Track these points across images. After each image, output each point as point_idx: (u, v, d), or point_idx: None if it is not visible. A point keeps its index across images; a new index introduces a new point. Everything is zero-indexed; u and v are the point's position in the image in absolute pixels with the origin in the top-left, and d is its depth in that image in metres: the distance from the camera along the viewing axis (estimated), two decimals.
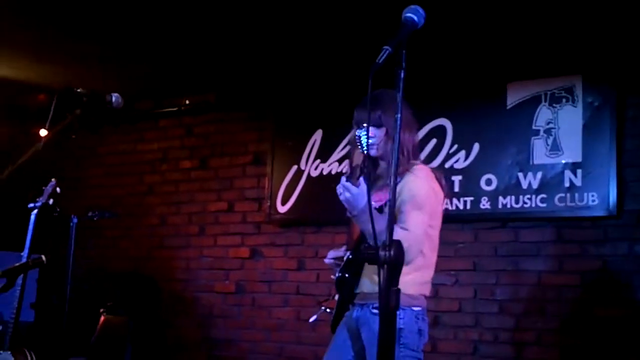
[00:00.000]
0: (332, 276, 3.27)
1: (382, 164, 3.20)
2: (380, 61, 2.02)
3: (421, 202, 2.98)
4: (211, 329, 6.07)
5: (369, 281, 3.06)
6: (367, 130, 3.05)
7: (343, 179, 2.85)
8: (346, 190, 2.82)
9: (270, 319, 5.83)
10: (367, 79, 1.98)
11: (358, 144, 3.12)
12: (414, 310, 3.06)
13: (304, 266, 5.73)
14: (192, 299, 6.21)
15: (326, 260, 3.27)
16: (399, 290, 1.99)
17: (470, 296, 5.03)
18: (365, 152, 3.10)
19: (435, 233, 3.12)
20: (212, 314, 6.10)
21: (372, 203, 2.83)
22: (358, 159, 3.18)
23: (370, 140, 3.08)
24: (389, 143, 3.06)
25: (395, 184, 2.06)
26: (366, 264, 3.06)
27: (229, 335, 5.98)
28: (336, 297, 3.26)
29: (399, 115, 2.07)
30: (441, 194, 3.14)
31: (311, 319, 3.60)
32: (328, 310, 3.42)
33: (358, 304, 3.14)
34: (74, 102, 3.07)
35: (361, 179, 2.86)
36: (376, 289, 2.91)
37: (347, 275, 3.09)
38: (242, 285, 6.01)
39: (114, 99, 3.06)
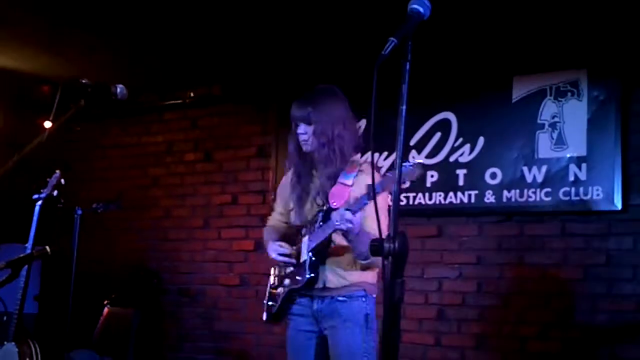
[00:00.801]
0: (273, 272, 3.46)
1: (317, 159, 3.30)
2: (385, 53, 2.01)
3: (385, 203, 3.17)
4: (215, 322, 6.09)
5: (336, 277, 3.23)
6: (297, 127, 3.29)
7: (345, 212, 2.97)
8: (348, 222, 2.96)
9: None
10: (372, 72, 1.97)
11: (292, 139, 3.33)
12: (374, 297, 3.29)
13: None
14: (197, 292, 6.22)
15: (277, 257, 3.32)
16: (403, 282, 1.99)
17: (474, 290, 5.02)
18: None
19: None
20: (217, 306, 6.11)
21: (332, 204, 3.15)
22: (292, 155, 3.39)
23: (301, 137, 3.27)
24: (320, 139, 3.22)
25: (400, 176, 2.05)
26: (327, 262, 3.24)
27: (233, 327, 5.99)
28: (279, 290, 3.36)
29: (403, 107, 2.06)
30: None
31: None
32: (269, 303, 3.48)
33: (318, 296, 3.27)
34: (79, 93, 3.06)
35: (356, 215, 3.00)
36: (344, 283, 3.24)
37: (313, 275, 3.22)
38: (246, 278, 6.02)
39: (118, 90, 3.05)
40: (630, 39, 4.63)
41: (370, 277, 3.30)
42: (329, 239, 3.19)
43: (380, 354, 1.98)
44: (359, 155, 3.42)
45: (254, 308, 5.92)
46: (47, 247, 3.00)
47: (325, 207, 3.23)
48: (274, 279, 3.46)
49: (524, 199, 4.81)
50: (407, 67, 2.07)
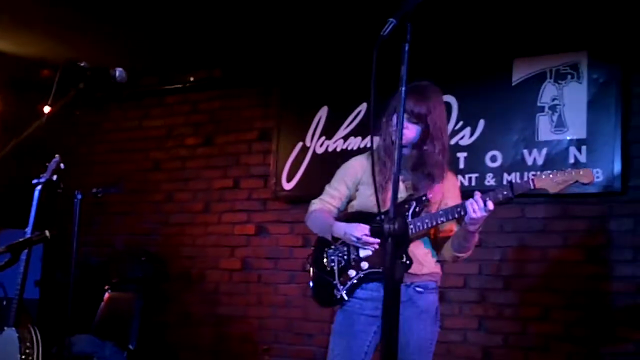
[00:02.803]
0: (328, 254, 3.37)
1: (411, 154, 3.27)
2: (385, 34, 2.01)
3: None
4: (217, 306, 6.10)
5: (415, 265, 3.15)
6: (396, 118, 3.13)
7: (488, 201, 3.03)
8: (486, 212, 3.04)
9: (277, 296, 5.85)
10: (372, 55, 1.97)
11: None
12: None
13: (309, 243, 5.69)
14: (198, 276, 6.23)
15: (365, 238, 3.20)
16: (405, 263, 2.00)
17: (475, 272, 5.04)
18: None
19: None
20: (218, 290, 6.12)
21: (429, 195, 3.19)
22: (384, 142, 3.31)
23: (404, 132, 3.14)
24: (425, 139, 3.22)
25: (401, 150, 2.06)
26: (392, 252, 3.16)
27: (235, 311, 6.01)
28: (351, 272, 3.30)
29: (403, 89, 2.06)
30: None
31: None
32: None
33: None
34: (78, 76, 3.06)
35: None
36: (423, 270, 3.22)
37: (409, 262, 3.13)
38: (248, 262, 6.03)
39: (117, 73, 3.05)
40: (630, 21, 4.62)
41: (440, 268, 3.36)
42: (429, 228, 3.20)
43: (382, 335, 1.98)
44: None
45: (256, 292, 5.95)
46: (47, 231, 3.00)
47: (423, 197, 3.21)
48: (335, 261, 3.37)
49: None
50: (407, 48, 2.07)
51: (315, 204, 3.53)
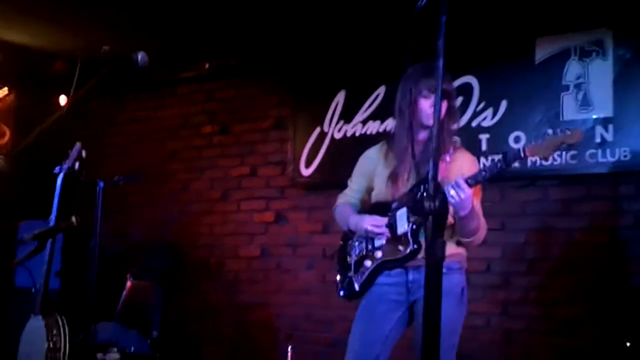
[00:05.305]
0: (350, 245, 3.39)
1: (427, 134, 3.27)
2: (422, 4, 1.95)
3: None
4: (237, 294, 6.07)
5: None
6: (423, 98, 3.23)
7: (460, 181, 2.92)
8: (462, 192, 2.92)
9: (296, 283, 5.81)
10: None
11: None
12: (466, 270, 3.33)
13: (328, 229, 5.68)
14: (217, 265, 6.20)
15: (373, 229, 3.25)
16: (444, 242, 1.94)
17: (498, 256, 4.97)
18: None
19: None
20: (238, 278, 6.09)
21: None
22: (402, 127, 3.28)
23: (430, 110, 3.16)
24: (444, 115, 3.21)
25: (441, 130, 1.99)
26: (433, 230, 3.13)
27: (255, 299, 5.98)
28: (367, 263, 3.30)
29: (440, 62, 2.00)
30: None
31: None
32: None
33: (414, 267, 3.21)
34: (100, 62, 3.00)
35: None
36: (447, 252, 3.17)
37: (416, 246, 3.14)
38: (267, 250, 5.99)
39: (139, 57, 3.00)
40: None
41: (463, 249, 3.31)
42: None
43: (423, 315, 1.93)
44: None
45: (275, 280, 5.92)
46: (74, 218, 2.96)
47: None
48: (355, 253, 3.39)
49: (549, 163, 4.70)
50: (444, 20, 2.01)
51: (339, 198, 3.62)
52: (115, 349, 5.04)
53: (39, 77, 6.60)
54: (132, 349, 5.17)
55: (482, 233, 3.21)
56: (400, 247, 3.18)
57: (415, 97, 3.21)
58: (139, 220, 6.60)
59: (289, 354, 4.76)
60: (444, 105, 3.18)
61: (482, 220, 3.20)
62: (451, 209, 3.01)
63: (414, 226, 3.11)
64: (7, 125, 6.41)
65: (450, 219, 3.14)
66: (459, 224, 3.11)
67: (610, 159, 4.55)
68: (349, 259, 3.40)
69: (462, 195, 2.91)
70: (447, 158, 3.20)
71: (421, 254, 3.13)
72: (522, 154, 2.94)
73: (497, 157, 3.05)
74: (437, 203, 1.93)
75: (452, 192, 2.91)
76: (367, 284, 3.29)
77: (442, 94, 3.09)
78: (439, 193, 1.95)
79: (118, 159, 6.74)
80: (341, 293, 3.40)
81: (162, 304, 5.65)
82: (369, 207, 3.42)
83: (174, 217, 6.45)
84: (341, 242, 3.51)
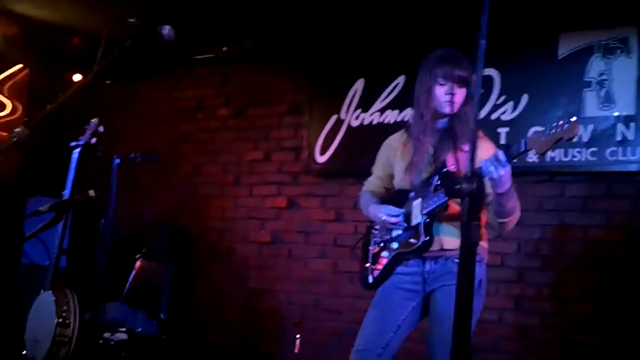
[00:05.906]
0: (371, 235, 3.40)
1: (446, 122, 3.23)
2: None
3: None
4: (246, 280, 6.04)
5: (453, 239, 3.12)
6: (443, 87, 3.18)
7: (500, 153, 2.78)
8: (502, 167, 2.78)
9: (307, 271, 5.77)
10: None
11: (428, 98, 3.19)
12: (486, 261, 3.27)
13: (342, 217, 5.65)
14: (228, 249, 6.16)
15: (388, 219, 3.26)
16: (479, 225, 1.91)
17: (513, 251, 4.93)
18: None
19: None
20: (248, 264, 6.05)
21: (451, 167, 3.08)
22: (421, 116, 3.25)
23: (449, 98, 3.15)
24: (463, 103, 3.18)
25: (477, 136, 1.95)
26: (443, 224, 3.15)
27: (264, 286, 5.94)
28: (384, 253, 3.28)
29: (483, 42, 1.96)
30: None
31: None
32: None
33: (431, 257, 3.18)
34: (117, 43, 2.96)
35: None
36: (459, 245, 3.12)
37: (428, 237, 3.12)
38: (278, 236, 5.95)
39: (166, 31, 2.97)
40: None
41: (485, 242, 3.26)
42: (447, 202, 3.07)
43: (456, 299, 1.89)
44: None
45: (286, 266, 5.88)
46: (92, 191, 2.94)
47: (442, 171, 3.13)
48: (375, 242, 3.40)
49: (568, 159, 4.69)
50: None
51: (364, 185, 3.61)
52: (123, 329, 5.02)
53: (55, 53, 6.56)
54: (140, 329, 5.15)
55: (517, 213, 3.10)
56: (413, 239, 3.16)
57: (430, 84, 3.17)
58: (149, 202, 6.56)
59: (297, 342, 4.72)
60: (462, 92, 3.14)
61: (518, 202, 3.08)
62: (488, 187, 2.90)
63: (427, 219, 3.10)
64: (20, 102, 6.37)
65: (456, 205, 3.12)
66: (496, 202, 2.97)
67: (630, 157, 4.50)
68: (370, 248, 3.41)
69: (502, 172, 2.78)
70: (467, 147, 3.16)
71: (434, 246, 3.13)
72: (523, 147, 2.82)
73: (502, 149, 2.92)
74: (475, 185, 1.89)
75: (491, 167, 2.77)
76: (383, 276, 3.29)
77: (460, 81, 3.11)
78: (475, 176, 1.91)
79: (132, 140, 6.68)
80: (362, 282, 3.40)
81: (171, 287, 5.62)
82: (393, 194, 3.40)
83: (185, 200, 6.42)
84: (365, 232, 3.50)
